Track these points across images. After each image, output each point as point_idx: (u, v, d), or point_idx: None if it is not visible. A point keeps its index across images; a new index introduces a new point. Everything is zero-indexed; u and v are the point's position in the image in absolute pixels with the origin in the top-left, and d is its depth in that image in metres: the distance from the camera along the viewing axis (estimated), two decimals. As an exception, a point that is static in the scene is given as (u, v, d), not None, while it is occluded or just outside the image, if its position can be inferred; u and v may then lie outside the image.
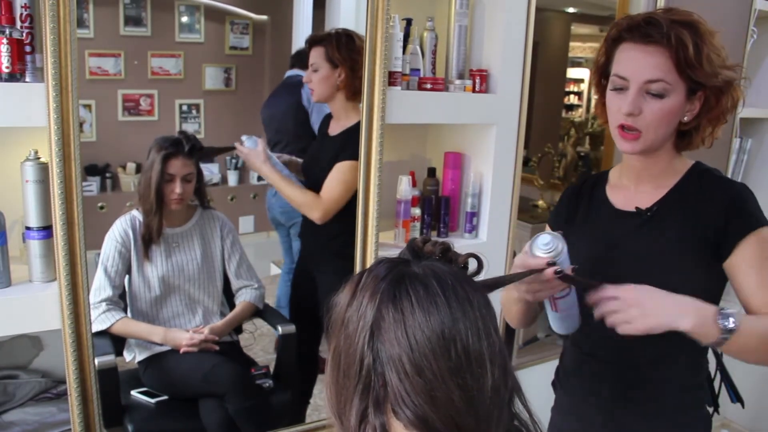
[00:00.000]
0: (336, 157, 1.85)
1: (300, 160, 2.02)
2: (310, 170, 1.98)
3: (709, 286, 1.13)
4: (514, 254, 2.11)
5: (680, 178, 1.18)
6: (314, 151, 2.02)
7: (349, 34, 1.85)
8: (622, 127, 1.12)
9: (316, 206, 1.86)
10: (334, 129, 1.94)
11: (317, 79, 1.88)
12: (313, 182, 1.91)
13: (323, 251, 2.03)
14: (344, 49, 1.83)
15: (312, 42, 1.90)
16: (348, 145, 1.80)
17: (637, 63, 1.09)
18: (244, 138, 1.89)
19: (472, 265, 0.81)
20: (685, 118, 1.12)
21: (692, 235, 1.12)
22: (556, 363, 1.91)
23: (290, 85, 2.04)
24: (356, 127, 1.75)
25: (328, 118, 1.99)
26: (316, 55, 1.87)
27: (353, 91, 1.82)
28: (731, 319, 0.99)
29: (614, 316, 1.02)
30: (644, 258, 1.16)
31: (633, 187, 1.22)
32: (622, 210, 1.21)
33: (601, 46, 1.18)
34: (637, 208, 1.18)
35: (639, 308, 1.00)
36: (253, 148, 1.87)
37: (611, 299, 1.02)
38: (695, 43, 1.05)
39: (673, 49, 1.05)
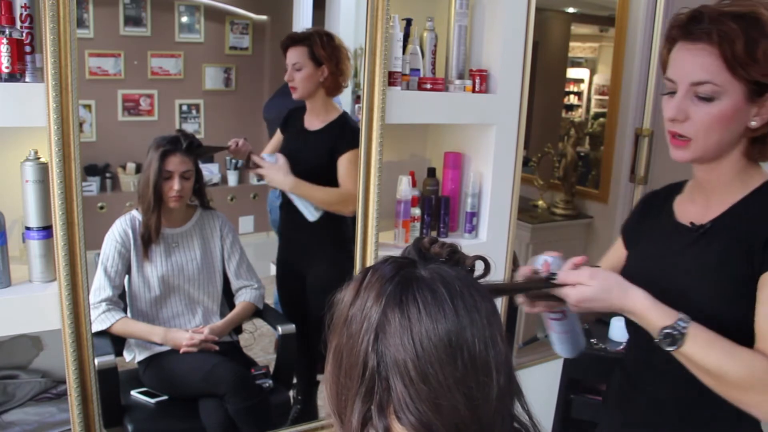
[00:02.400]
0: (334, 150, 1.88)
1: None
2: (291, 162, 1.97)
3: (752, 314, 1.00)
4: (514, 254, 2.11)
5: (748, 193, 1.04)
6: (294, 147, 2.00)
7: (328, 33, 1.90)
8: (672, 134, 1.03)
9: (348, 200, 1.83)
10: (314, 124, 1.95)
11: (300, 78, 1.89)
12: (294, 174, 1.92)
13: (319, 243, 2.03)
14: (328, 47, 1.87)
15: (291, 42, 1.90)
16: (342, 137, 1.88)
17: (683, 64, 1.00)
18: (265, 156, 1.91)
19: (479, 267, 0.81)
20: (753, 123, 0.99)
21: (737, 256, 1.00)
22: (555, 363, 1.92)
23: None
24: (341, 119, 1.92)
25: (295, 114, 2.00)
26: (299, 55, 1.88)
27: (334, 87, 1.91)
28: (671, 348, 0.96)
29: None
30: (688, 277, 1.07)
31: (699, 200, 1.10)
32: (681, 223, 1.11)
33: (663, 45, 1.07)
34: (691, 223, 1.08)
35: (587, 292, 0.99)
36: (273, 162, 1.89)
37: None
38: (749, 36, 0.94)
39: (718, 45, 0.95)
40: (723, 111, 0.97)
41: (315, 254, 2.04)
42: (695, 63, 0.98)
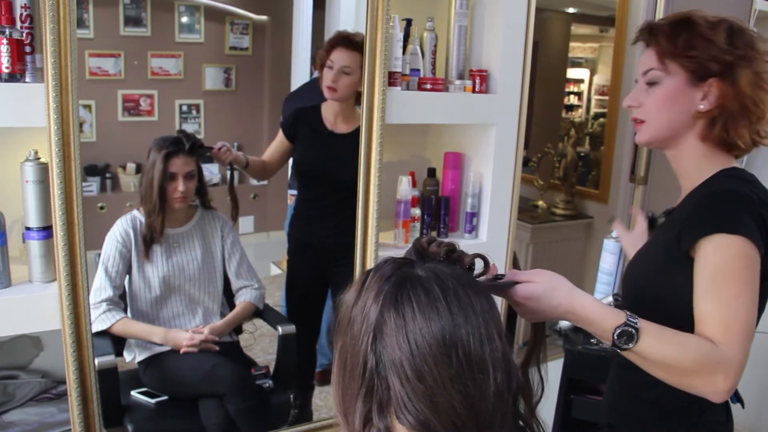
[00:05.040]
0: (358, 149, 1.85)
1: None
2: (324, 167, 1.97)
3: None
4: (514, 254, 2.11)
5: (701, 182, 1.14)
6: (323, 150, 2.00)
7: None
8: (633, 120, 1.19)
9: None
10: (340, 127, 1.94)
11: (348, 83, 1.86)
12: (331, 181, 1.92)
13: (346, 249, 2.03)
14: None
15: (347, 44, 1.85)
16: None
17: (639, 63, 1.18)
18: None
19: (479, 265, 0.81)
20: (701, 107, 1.10)
21: (670, 238, 1.11)
22: (555, 363, 1.92)
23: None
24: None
25: (305, 115, 1.98)
26: (352, 59, 1.84)
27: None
28: (627, 346, 0.97)
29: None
30: (643, 262, 1.22)
31: (682, 189, 1.21)
32: (668, 209, 1.25)
33: None
34: (666, 210, 1.24)
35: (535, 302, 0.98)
36: None
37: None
38: (674, 31, 1.11)
39: (653, 40, 1.14)
40: (666, 92, 1.12)
41: (342, 260, 2.02)
42: (644, 58, 1.16)
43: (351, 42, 1.84)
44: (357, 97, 1.89)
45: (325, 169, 1.99)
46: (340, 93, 1.88)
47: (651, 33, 1.14)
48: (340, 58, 1.85)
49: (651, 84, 1.14)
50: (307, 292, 2.12)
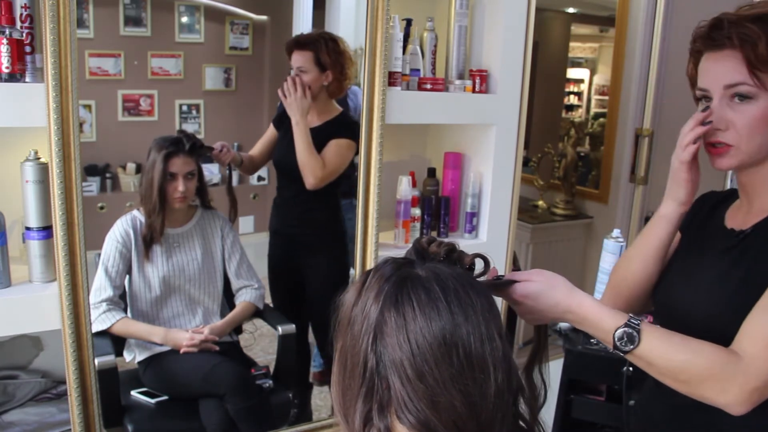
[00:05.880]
0: (328, 139, 1.90)
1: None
2: (287, 159, 1.97)
3: None
4: (514, 254, 2.11)
5: None
6: (291, 141, 1.99)
7: (333, 38, 1.91)
8: (710, 143, 1.02)
9: (319, 169, 1.88)
10: (312, 122, 1.95)
11: (306, 81, 1.89)
12: (291, 172, 1.92)
13: (318, 239, 2.04)
14: (333, 54, 1.89)
15: (297, 45, 1.92)
16: (340, 129, 1.91)
17: (713, 71, 1.00)
18: None
19: (479, 265, 0.81)
20: None
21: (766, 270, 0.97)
22: (556, 363, 1.92)
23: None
24: (341, 117, 1.97)
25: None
26: (303, 59, 1.90)
27: (337, 90, 1.94)
28: (629, 348, 0.92)
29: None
30: (716, 282, 1.04)
31: (743, 205, 1.08)
32: (726, 227, 1.09)
33: (689, 61, 1.08)
34: (732, 228, 1.07)
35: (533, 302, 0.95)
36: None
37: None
38: None
39: (740, 48, 0.95)
40: (761, 111, 0.96)
41: (315, 251, 2.04)
42: (724, 67, 0.98)
43: (299, 43, 1.92)
44: (331, 94, 1.94)
45: (288, 161, 1.98)
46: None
47: (741, 39, 0.95)
48: (294, 60, 1.92)
49: (743, 98, 0.97)
50: (283, 282, 2.11)
